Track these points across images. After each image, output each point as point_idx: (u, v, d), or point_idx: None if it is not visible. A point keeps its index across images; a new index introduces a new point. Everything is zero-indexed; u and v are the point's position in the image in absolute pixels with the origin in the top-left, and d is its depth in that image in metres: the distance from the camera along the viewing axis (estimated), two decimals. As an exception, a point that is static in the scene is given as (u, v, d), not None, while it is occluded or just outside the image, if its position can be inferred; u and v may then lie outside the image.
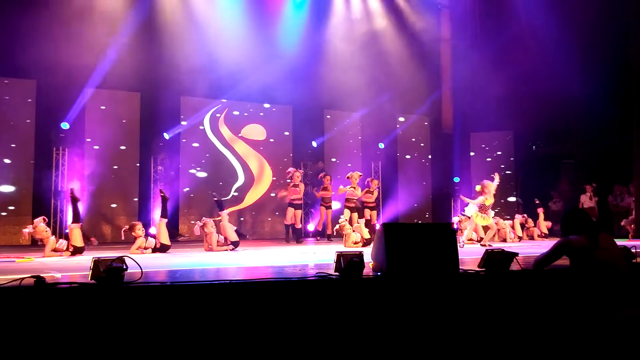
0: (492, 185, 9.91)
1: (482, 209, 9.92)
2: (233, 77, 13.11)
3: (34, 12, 11.45)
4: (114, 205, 12.68)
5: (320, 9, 14.80)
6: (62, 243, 8.12)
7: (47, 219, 8.56)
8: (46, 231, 8.08)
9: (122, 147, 12.72)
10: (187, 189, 13.40)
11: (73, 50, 11.36)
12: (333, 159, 15.23)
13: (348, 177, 11.86)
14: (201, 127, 13.74)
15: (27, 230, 8.10)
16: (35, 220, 8.21)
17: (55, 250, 7.98)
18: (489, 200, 9.90)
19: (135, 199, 12.88)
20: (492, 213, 10.24)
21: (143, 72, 12.26)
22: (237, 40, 13.07)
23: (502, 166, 16.08)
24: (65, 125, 12.07)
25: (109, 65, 11.91)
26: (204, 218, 9.67)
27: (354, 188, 11.75)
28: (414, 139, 16.40)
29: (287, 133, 14.74)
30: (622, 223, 12.73)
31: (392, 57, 15.25)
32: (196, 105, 13.61)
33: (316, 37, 14.37)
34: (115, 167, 12.60)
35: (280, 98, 14.24)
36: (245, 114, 14.36)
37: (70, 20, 11.57)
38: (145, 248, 8.71)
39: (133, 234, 8.80)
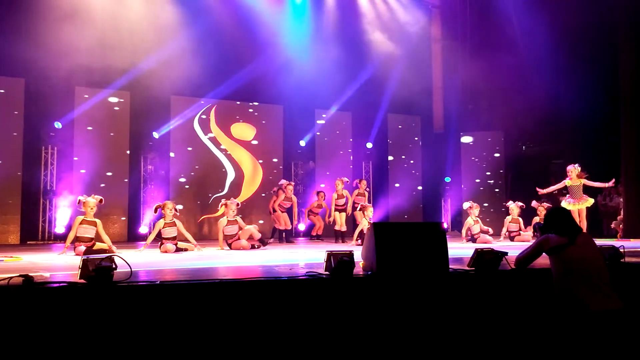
0: (574, 171, 11.04)
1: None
2: (223, 76, 13.07)
3: (21, 10, 11.37)
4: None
5: (310, 8, 14.78)
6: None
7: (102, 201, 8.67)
8: (92, 209, 8.31)
9: (112, 146, 12.66)
10: (184, 186, 13.36)
11: (62, 49, 11.28)
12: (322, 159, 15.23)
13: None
14: (191, 126, 13.70)
15: (82, 198, 8.45)
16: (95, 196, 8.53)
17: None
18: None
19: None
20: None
21: (133, 71, 12.19)
22: (227, 38, 13.04)
23: (485, 166, 16.15)
24: (58, 125, 11.98)
25: (99, 64, 11.85)
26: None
27: (342, 195, 12.17)
28: (404, 139, 16.43)
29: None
30: (612, 225, 12.83)
31: (382, 57, 15.27)
32: (186, 104, 13.56)
33: (307, 36, 14.35)
34: (105, 165, 12.50)
35: (271, 97, 14.22)
36: (236, 114, 14.32)
37: (59, 18, 11.47)
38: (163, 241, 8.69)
39: (162, 211, 8.87)
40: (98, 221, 8.40)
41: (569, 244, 4.01)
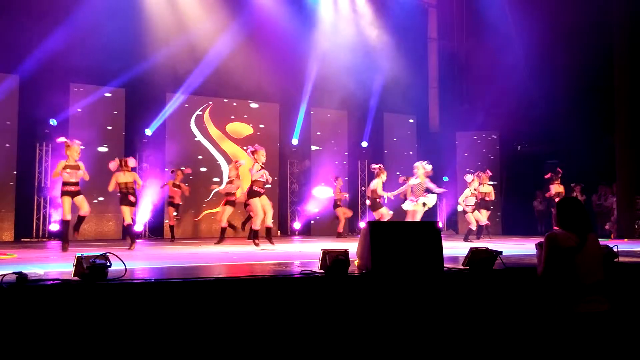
0: (421, 168, 10.09)
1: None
2: (219, 74, 13.06)
3: (16, 7, 11.32)
4: (100, 199, 12.54)
5: (309, 8, 14.77)
6: None
7: None
8: (78, 153, 8.30)
9: (107, 143, 12.63)
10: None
11: (57, 45, 11.23)
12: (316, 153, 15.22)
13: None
14: (187, 124, 13.68)
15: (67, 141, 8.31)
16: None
17: None
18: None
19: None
20: (421, 199, 10.09)
21: (128, 68, 12.15)
22: (223, 37, 13.02)
23: (480, 165, 16.18)
24: (53, 122, 11.94)
25: (94, 61, 11.81)
26: None
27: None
28: (400, 138, 16.44)
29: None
30: (607, 226, 12.88)
31: (379, 56, 15.27)
32: (181, 101, 13.53)
33: (304, 35, 14.34)
34: (101, 162, 12.43)
35: (267, 95, 14.20)
36: (232, 112, 14.30)
37: (54, 15, 11.44)
38: None
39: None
40: (81, 164, 8.35)
41: (580, 247, 3.79)
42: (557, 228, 4.07)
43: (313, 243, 10.89)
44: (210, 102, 13.92)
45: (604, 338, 3.75)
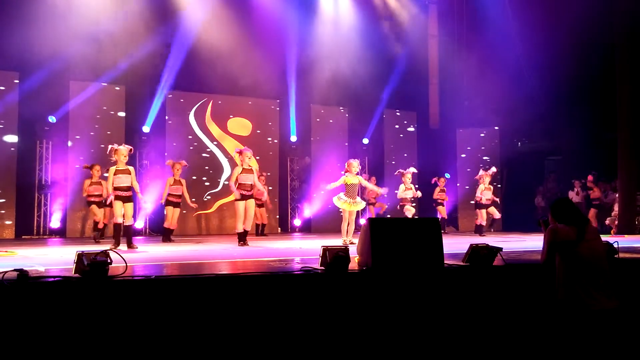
0: (355, 167, 9.13)
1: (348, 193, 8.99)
2: (219, 71, 13.03)
3: (15, 4, 11.30)
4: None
5: (308, 3, 14.74)
6: None
7: None
8: (125, 156, 8.19)
9: (106, 141, 12.58)
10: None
11: (56, 42, 11.22)
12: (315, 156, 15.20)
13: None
14: (186, 121, 13.66)
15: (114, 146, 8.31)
16: None
17: None
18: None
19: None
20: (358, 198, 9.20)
21: (127, 65, 12.13)
22: (222, 34, 13.00)
23: (480, 162, 16.17)
24: (52, 119, 11.94)
25: (93, 58, 11.79)
26: None
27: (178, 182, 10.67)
28: (400, 135, 16.43)
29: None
30: (607, 222, 12.87)
31: (379, 53, 15.24)
32: (181, 98, 13.52)
33: (304, 31, 14.32)
34: (100, 159, 12.43)
35: (266, 92, 14.18)
36: (232, 109, 14.26)
37: (54, 12, 11.42)
38: None
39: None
40: (131, 168, 8.33)
41: (580, 239, 3.85)
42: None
43: (313, 240, 10.90)
44: (210, 99, 13.89)
45: (612, 335, 3.74)
